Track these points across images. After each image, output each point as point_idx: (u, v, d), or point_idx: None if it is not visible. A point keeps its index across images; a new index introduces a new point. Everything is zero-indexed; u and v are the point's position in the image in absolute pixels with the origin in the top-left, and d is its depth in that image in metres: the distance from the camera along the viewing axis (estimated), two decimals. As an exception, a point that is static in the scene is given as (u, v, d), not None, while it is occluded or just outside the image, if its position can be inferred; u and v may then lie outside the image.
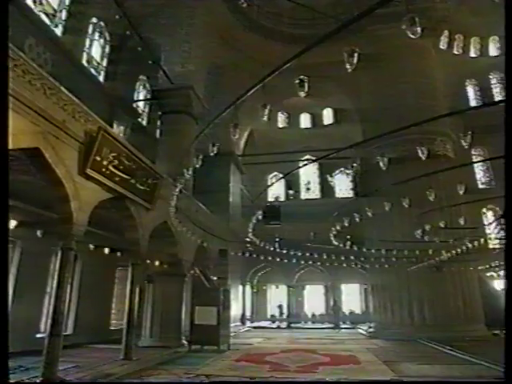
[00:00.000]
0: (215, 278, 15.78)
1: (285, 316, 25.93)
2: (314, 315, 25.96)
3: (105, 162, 7.43)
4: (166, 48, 16.84)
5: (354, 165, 17.99)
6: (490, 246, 18.61)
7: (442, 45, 23.98)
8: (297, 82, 4.87)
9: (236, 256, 18.32)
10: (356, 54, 3.99)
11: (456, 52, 24.86)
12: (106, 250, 12.33)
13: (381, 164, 8.91)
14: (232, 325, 15.46)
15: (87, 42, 15.85)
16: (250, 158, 22.66)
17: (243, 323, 22.70)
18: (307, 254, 17.23)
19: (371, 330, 17.51)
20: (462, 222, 11.56)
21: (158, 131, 17.68)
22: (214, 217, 16.64)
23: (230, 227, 19.29)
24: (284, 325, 23.78)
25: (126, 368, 8.18)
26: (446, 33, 23.97)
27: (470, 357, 9.99)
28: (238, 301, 22.11)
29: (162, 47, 16.87)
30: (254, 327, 22.44)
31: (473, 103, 25.94)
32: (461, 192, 9.60)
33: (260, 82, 4.37)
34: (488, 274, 20.81)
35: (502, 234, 16.80)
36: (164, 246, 12.03)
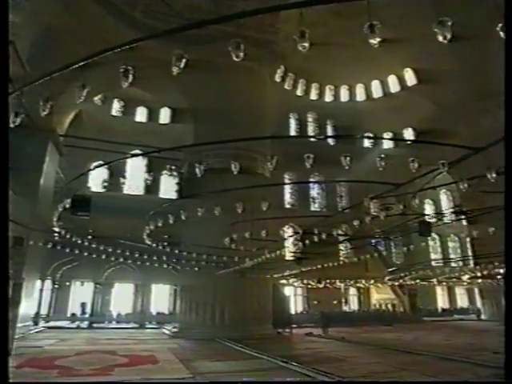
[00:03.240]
0: (5, 270, 13.42)
1: (87, 315, 24.05)
2: (119, 314, 24.89)
3: None
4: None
5: (174, 167, 18.28)
6: (286, 258, 21.70)
7: (278, 78, 27.22)
8: (121, 70, 4.49)
9: (37, 246, 16.06)
10: (184, 60, 4.09)
11: (287, 87, 28.59)
12: None
13: (197, 171, 9.34)
14: (20, 325, 13.41)
15: None
16: (74, 140, 20.42)
17: (36, 323, 19.95)
18: (118, 251, 16.53)
19: (175, 330, 17.94)
20: (263, 234, 13.00)
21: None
22: (16, 198, 14.25)
23: (36, 213, 16.84)
24: (85, 324, 22.02)
25: None
26: (283, 68, 27.33)
27: (256, 352, 11.34)
28: (33, 297, 19.35)
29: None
30: (50, 327, 20.04)
31: (292, 133, 30.03)
32: (264, 208, 10.90)
33: (82, 60, 4.01)
34: (281, 282, 24.18)
35: (297, 248, 19.74)
36: None
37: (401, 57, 26.23)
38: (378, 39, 3.67)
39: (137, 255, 17.10)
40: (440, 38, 3.47)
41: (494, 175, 5.86)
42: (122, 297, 25.95)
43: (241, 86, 19.54)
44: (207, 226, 15.11)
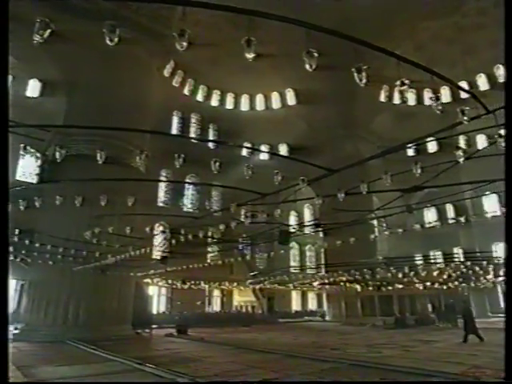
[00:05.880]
0: None
1: None
2: None
3: None
4: None
5: (29, 148, 16.05)
6: (152, 256, 21.02)
7: (166, 72, 26.51)
8: None
9: None
10: (49, 30, 3.75)
11: (175, 84, 28.05)
12: None
13: (57, 155, 8.57)
14: None
15: None
16: None
17: None
18: None
19: (16, 331, 15.75)
20: (129, 230, 12.42)
21: None
22: None
23: None
24: None
25: None
26: (172, 64, 26.73)
27: (109, 355, 10.74)
28: None
29: None
30: None
31: (173, 131, 29.59)
32: (130, 203, 10.49)
33: None
34: (145, 281, 23.41)
35: (164, 247, 19.36)
36: None
37: (285, 77, 28.28)
38: (253, 54, 3.96)
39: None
40: (307, 67, 3.88)
41: (342, 195, 6.75)
42: None
43: (126, 72, 18.41)
44: (68, 217, 13.84)
